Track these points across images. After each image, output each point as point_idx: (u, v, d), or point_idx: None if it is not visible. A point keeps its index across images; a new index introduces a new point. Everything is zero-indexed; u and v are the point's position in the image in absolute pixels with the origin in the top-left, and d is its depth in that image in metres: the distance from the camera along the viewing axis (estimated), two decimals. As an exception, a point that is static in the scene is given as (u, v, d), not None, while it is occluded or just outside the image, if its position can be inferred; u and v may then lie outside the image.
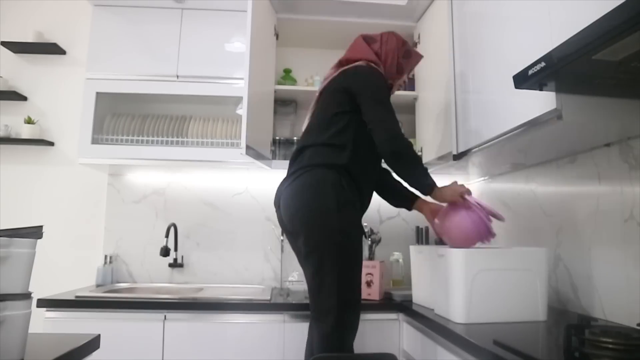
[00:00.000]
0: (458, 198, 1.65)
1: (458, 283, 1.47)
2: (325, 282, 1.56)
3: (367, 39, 1.90)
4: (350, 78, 1.76)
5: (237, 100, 2.36)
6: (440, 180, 2.59)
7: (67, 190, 2.56)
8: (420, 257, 1.89)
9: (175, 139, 2.36)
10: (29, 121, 2.50)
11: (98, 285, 2.32)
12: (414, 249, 1.96)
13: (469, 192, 1.66)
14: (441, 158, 2.06)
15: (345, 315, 1.58)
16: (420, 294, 1.87)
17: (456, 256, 1.49)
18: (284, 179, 1.75)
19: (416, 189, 1.71)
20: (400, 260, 2.42)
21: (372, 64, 1.80)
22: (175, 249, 2.46)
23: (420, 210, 1.88)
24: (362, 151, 1.71)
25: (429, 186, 1.66)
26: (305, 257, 1.62)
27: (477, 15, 1.81)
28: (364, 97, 1.70)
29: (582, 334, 1.10)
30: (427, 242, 2.49)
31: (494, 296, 1.47)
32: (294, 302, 1.98)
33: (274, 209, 1.80)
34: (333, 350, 1.55)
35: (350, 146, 1.68)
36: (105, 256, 2.43)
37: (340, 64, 1.86)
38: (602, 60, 0.98)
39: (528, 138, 1.49)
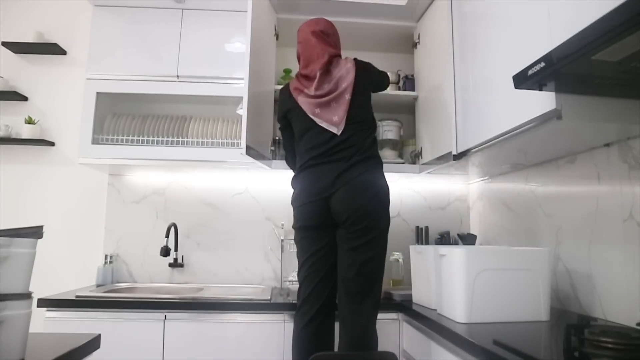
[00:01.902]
0: None
1: (460, 283, 1.47)
2: (380, 274, 1.71)
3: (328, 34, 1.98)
4: (374, 77, 1.92)
5: (237, 100, 2.36)
6: (441, 180, 2.61)
7: (67, 190, 2.56)
8: (420, 257, 1.89)
9: (175, 139, 2.36)
10: (29, 121, 2.50)
11: (98, 285, 2.32)
12: (414, 249, 1.96)
13: None
14: (441, 158, 2.06)
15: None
16: (421, 294, 1.87)
17: (458, 256, 1.50)
18: (342, 162, 1.74)
19: None
20: (400, 260, 2.42)
21: None
22: (176, 249, 2.46)
23: None
24: None
25: None
26: (365, 248, 1.68)
27: (477, 15, 1.81)
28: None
29: (581, 334, 1.10)
30: (427, 242, 2.49)
31: (497, 296, 1.47)
32: (294, 302, 1.97)
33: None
34: (374, 338, 1.66)
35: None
36: (106, 256, 2.43)
37: (332, 57, 1.88)
38: (601, 60, 0.98)
39: (528, 138, 1.49)
